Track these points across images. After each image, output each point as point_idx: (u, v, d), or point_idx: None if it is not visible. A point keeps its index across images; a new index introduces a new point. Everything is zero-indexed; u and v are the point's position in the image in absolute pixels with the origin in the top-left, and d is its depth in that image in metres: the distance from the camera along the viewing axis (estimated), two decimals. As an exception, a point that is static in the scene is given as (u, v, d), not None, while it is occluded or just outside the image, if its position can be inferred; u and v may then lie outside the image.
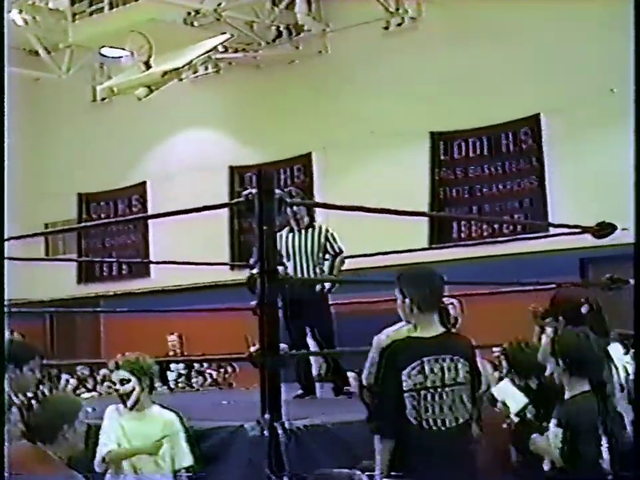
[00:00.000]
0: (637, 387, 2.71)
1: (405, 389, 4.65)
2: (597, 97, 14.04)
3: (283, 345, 5.90)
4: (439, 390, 4.68)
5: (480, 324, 12.45)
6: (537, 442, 5.17)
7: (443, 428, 4.67)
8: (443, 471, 4.63)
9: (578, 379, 5.06)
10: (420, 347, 4.73)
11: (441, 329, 4.83)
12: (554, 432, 5.00)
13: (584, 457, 4.94)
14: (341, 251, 8.84)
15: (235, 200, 6.68)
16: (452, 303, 6.24)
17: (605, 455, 4.95)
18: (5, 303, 3.42)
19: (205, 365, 14.94)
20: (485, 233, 15.73)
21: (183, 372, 13.52)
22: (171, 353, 13.34)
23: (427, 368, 4.67)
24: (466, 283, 10.17)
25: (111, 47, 17.61)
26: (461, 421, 4.73)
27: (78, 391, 14.75)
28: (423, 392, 4.66)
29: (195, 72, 18.52)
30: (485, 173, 15.95)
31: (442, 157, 16.35)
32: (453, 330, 5.20)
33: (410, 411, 4.65)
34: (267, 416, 5.64)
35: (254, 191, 6.05)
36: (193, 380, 13.52)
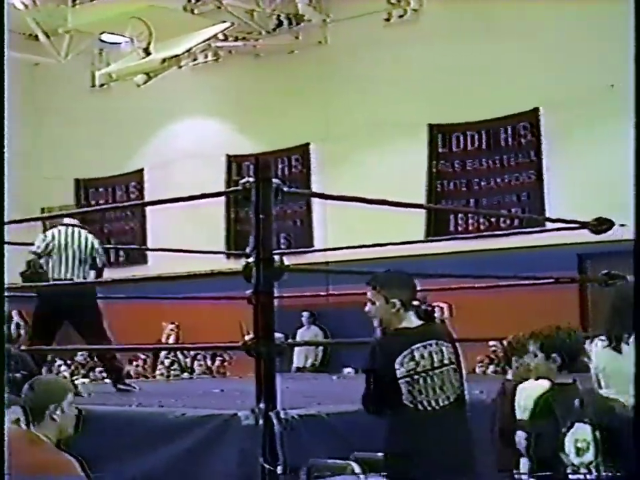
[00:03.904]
0: (636, 385, 2.68)
1: (399, 376, 5.04)
2: (596, 92, 14.03)
3: (278, 334, 5.87)
4: (430, 373, 5.09)
5: (477, 317, 12.49)
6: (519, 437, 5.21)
7: (436, 407, 5.07)
8: (438, 448, 5.02)
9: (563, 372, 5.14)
10: (408, 336, 5.16)
11: (420, 321, 5.26)
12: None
13: (544, 450, 4.98)
14: (104, 266, 8.97)
15: (232, 188, 6.66)
16: (440, 306, 6.50)
17: (569, 446, 4.99)
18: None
19: (200, 353, 14.95)
20: (482, 227, 15.73)
21: (177, 359, 13.52)
22: (171, 340, 13.34)
23: (416, 354, 5.10)
24: (463, 276, 10.18)
25: (111, 33, 17.56)
26: (452, 399, 5.13)
27: (74, 377, 14.76)
28: (415, 377, 5.06)
29: (195, 60, 18.48)
30: (483, 166, 15.94)
31: (440, 150, 16.34)
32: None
33: (406, 395, 5.04)
34: (261, 405, 5.61)
35: (251, 179, 6.03)
36: (187, 367, 13.52)
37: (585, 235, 9.17)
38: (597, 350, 6.04)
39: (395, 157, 16.30)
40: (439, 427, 5.05)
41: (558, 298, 11.76)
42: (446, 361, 5.16)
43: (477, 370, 12.90)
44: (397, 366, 5.05)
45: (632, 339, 5.92)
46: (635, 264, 2.48)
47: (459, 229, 15.99)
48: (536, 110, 15.11)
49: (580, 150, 14.60)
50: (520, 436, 5.27)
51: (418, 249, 12.86)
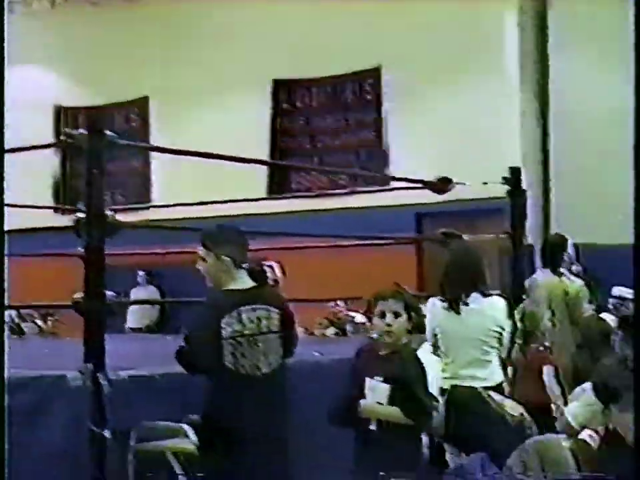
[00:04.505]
0: (636, 383, 2.62)
1: (224, 336, 4.91)
2: (436, 52, 14.06)
3: (109, 293, 5.68)
4: (256, 338, 4.97)
5: (317, 278, 12.43)
6: (366, 405, 5.06)
7: (258, 373, 4.97)
8: (254, 414, 4.96)
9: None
10: (237, 298, 5.02)
11: (253, 282, 5.12)
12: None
13: (421, 405, 5.01)
14: None
15: (62, 140, 6.42)
16: (271, 266, 6.42)
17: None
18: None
19: (29, 312, 14.42)
20: (325, 185, 15.67)
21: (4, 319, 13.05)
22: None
23: (244, 317, 4.96)
24: (302, 235, 10.08)
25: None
26: (274, 366, 5.05)
27: None
28: (240, 339, 4.93)
29: (29, 5, 17.80)
30: (327, 124, 15.87)
31: (284, 106, 16.19)
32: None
33: (228, 358, 4.92)
34: (89, 365, 5.43)
35: (83, 131, 5.83)
36: (16, 328, 13.10)
37: (425, 195, 9.20)
38: (435, 310, 6.08)
39: (238, 113, 16.04)
40: (258, 393, 4.97)
41: (397, 257, 11.82)
42: (273, 328, 5.07)
43: (316, 332, 12.80)
44: (222, 325, 4.92)
45: (469, 299, 5.97)
46: (635, 263, 2.38)
47: (302, 187, 15.91)
48: (377, 68, 15.06)
49: (421, 109, 14.59)
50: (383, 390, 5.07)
51: (259, 207, 12.71)
